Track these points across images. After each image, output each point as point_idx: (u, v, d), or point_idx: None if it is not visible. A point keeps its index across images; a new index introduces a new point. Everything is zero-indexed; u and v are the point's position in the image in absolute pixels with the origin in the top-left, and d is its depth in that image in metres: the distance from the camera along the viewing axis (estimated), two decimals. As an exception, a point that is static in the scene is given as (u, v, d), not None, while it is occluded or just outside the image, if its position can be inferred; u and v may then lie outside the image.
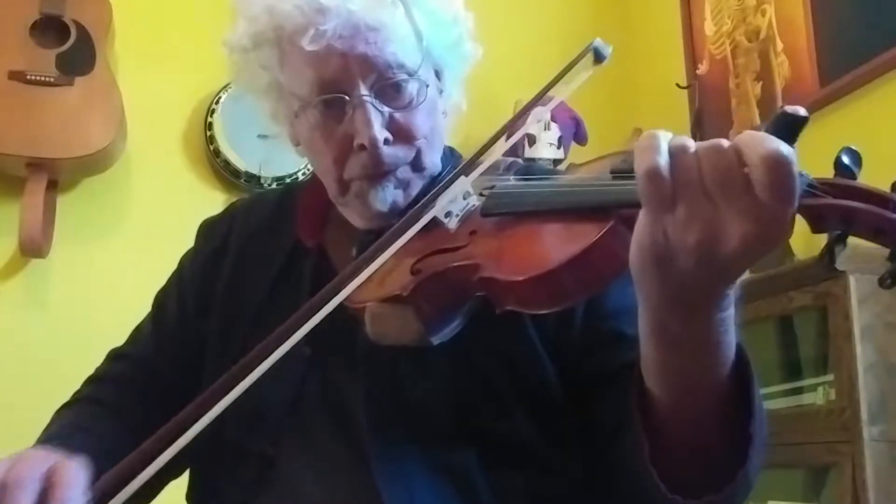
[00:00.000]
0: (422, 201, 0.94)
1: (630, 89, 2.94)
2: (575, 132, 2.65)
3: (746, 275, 2.05)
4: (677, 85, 2.68)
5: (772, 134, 0.64)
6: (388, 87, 0.99)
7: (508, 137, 1.00)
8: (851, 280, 1.65)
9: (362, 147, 0.98)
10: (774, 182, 0.62)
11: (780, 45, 2.38)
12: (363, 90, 0.98)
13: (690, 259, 0.67)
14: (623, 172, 0.78)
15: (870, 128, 2.05)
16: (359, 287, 0.99)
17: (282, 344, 0.85)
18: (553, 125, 2.60)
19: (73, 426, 1.10)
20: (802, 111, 0.67)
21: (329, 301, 0.87)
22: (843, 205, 0.66)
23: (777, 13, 2.40)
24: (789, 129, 0.66)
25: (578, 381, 0.98)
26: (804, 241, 2.12)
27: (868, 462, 1.58)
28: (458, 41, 1.07)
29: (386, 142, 0.99)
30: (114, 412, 1.12)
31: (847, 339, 1.65)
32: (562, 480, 0.99)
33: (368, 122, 0.97)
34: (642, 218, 0.70)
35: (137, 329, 1.22)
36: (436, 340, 0.93)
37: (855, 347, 1.63)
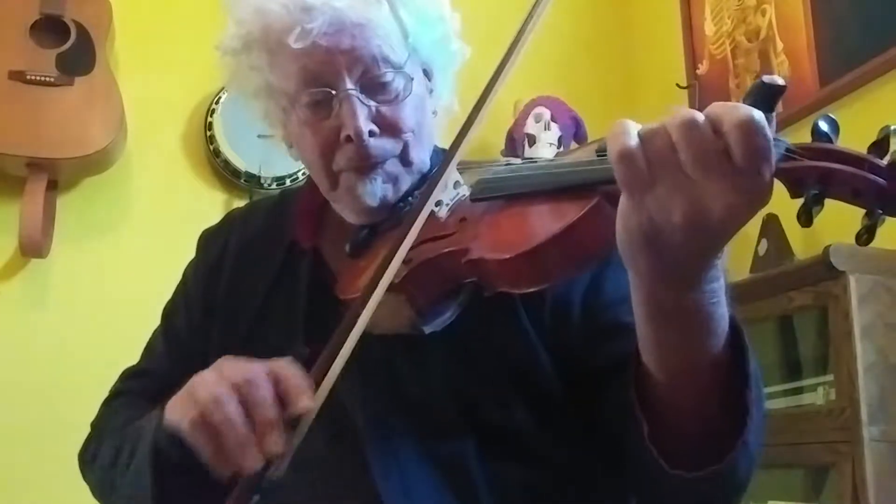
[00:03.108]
0: (420, 193, 0.95)
1: (630, 89, 2.94)
2: (575, 132, 2.65)
3: (747, 275, 2.06)
4: (677, 85, 2.68)
5: (751, 103, 0.67)
6: (374, 82, 1.01)
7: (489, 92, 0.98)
8: (851, 280, 1.65)
9: (349, 139, 1.00)
10: (750, 145, 0.64)
11: (780, 45, 2.38)
12: (349, 84, 1.00)
13: (678, 235, 0.68)
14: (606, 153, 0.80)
15: (869, 128, 2.04)
16: (352, 278, 1.00)
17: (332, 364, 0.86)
18: (553, 125, 2.60)
19: (132, 415, 1.09)
20: (780, 80, 0.69)
21: (361, 314, 0.88)
22: (820, 166, 0.68)
23: (777, 13, 2.40)
24: (768, 98, 0.68)
25: (581, 374, 0.98)
26: (804, 241, 2.12)
27: (868, 462, 1.58)
28: (445, 39, 1.09)
29: (371, 134, 1.00)
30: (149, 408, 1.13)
31: (847, 339, 1.65)
32: (559, 475, 0.99)
33: (354, 115, 0.99)
34: (624, 201, 0.71)
35: (149, 345, 1.22)
36: (428, 329, 0.94)
37: (855, 347, 1.63)
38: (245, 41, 1.04)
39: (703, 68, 2.68)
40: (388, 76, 1.01)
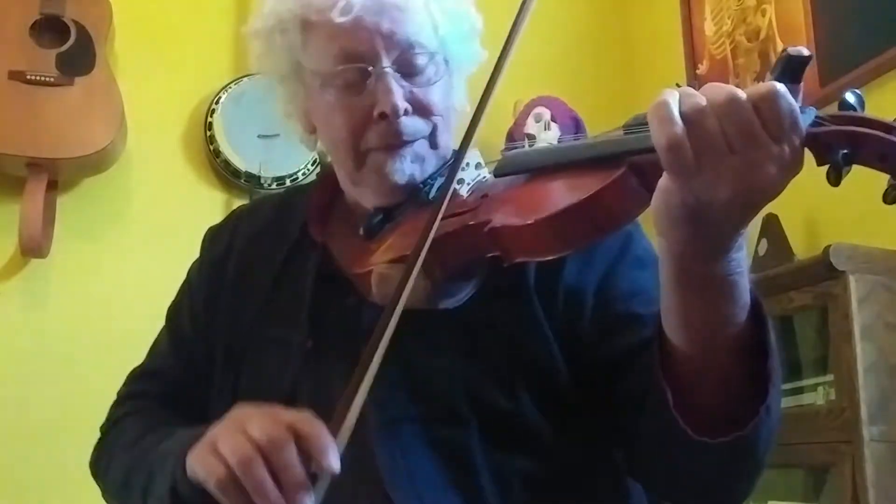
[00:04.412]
0: (444, 171, 0.98)
1: (630, 89, 2.94)
2: (575, 132, 2.65)
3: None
4: (677, 85, 2.67)
5: (778, 75, 0.70)
6: (409, 64, 1.03)
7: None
8: (851, 280, 1.65)
9: (382, 116, 1.01)
10: (777, 111, 0.67)
11: (780, 45, 2.37)
12: (385, 63, 1.02)
13: (721, 210, 0.71)
14: (635, 128, 0.81)
15: (870, 128, 2.04)
16: (363, 255, 1.01)
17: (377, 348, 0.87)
18: (553, 125, 2.60)
19: (145, 428, 1.11)
20: (805, 51, 0.72)
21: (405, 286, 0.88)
22: (848, 131, 0.70)
23: (777, 13, 2.40)
24: (794, 68, 0.71)
25: (591, 365, 0.99)
26: (804, 241, 2.12)
27: (868, 462, 1.58)
28: (469, 37, 1.11)
29: (406, 112, 1.02)
30: (158, 414, 1.14)
31: (847, 339, 1.65)
32: (560, 467, 1.00)
33: (390, 91, 1.01)
34: (668, 183, 0.72)
35: (154, 345, 1.23)
36: (441, 305, 0.94)
37: (855, 347, 1.63)
38: (282, 18, 1.05)
39: (703, 68, 2.68)
40: (422, 59, 1.04)
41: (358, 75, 1.02)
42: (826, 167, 0.71)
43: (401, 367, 1.00)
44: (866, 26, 2.09)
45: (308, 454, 0.84)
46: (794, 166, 0.70)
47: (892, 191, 0.70)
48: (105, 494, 1.14)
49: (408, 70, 1.03)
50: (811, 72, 2.22)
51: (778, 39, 2.39)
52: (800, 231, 2.11)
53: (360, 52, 1.01)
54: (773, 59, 2.39)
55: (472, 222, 0.92)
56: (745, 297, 0.80)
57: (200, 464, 0.90)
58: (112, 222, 2.48)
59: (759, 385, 0.83)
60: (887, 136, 0.69)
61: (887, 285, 1.68)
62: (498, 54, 0.99)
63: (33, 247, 2.29)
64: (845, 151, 0.70)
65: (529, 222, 0.85)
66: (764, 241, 2.10)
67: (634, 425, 0.92)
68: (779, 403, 0.87)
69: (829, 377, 1.75)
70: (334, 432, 0.85)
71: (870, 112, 0.73)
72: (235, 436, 0.87)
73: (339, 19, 0.99)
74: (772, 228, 2.08)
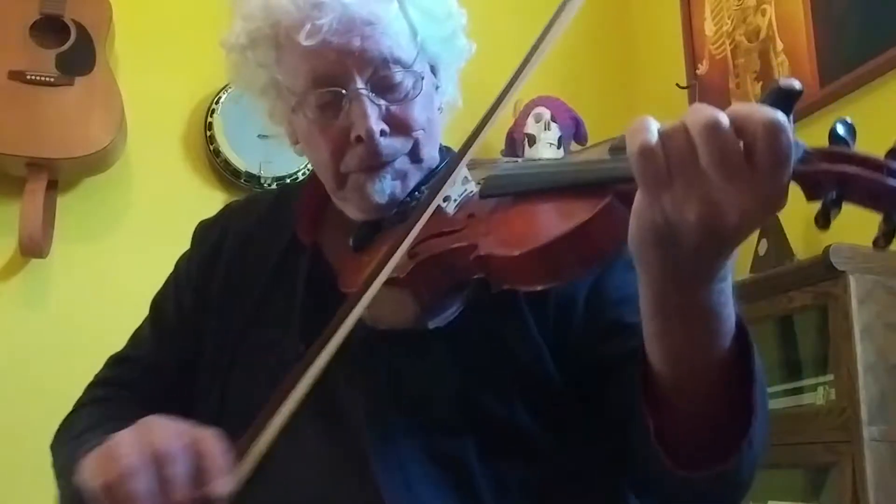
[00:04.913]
0: (429, 187, 0.95)
1: (630, 89, 2.94)
2: (575, 132, 2.66)
3: (747, 275, 2.06)
4: (677, 85, 2.68)
5: (768, 106, 0.66)
6: (384, 81, 1.00)
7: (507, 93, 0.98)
8: (851, 280, 1.65)
9: (359, 139, 0.99)
10: (774, 146, 0.64)
11: (780, 45, 2.38)
12: (359, 84, 0.99)
13: (692, 235, 0.68)
14: (621, 150, 0.79)
15: (870, 128, 2.04)
16: (355, 272, 1.00)
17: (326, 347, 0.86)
18: (553, 125, 2.60)
19: (99, 419, 1.08)
20: (798, 84, 0.68)
21: (363, 296, 0.88)
22: (838, 170, 0.67)
23: (777, 13, 2.40)
24: (785, 101, 0.67)
25: (583, 372, 0.98)
26: (804, 241, 2.12)
27: (868, 462, 1.58)
28: (452, 36, 1.08)
29: (383, 133, 1.00)
30: (125, 407, 1.12)
31: (847, 339, 1.65)
32: (559, 474, 0.99)
33: (365, 115, 0.98)
34: (640, 198, 0.71)
35: (136, 333, 1.22)
36: (432, 324, 0.94)
37: (855, 347, 1.63)
38: (252, 37, 1.03)
39: (703, 68, 2.68)
40: (398, 76, 1.01)
41: (333, 97, 1.00)
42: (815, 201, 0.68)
43: (394, 381, 1.00)
44: (866, 26, 2.09)
45: (202, 477, 0.81)
46: (776, 204, 0.67)
47: (882, 238, 0.66)
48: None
49: (384, 87, 1.00)
50: (811, 72, 2.23)
51: (778, 39, 2.39)
52: (800, 231, 2.11)
53: (332, 74, 0.99)
54: (773, 59, 2.39)
55: (457, 245, 0.91)
56: (727, 325, 0.78)
57: (92, 467, 0.86)
58: (112, 222, 2.48)
59: (742, 416, 0.81)
60: (879, 177, 0.66)
61: (887, 285, 1.68)
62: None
63: (33, 247, 2.29)
64: (834, 193, 0.66)
65: (516, 254, 0.84)
66: (764, 241, 2.10)
67: (625, 435, 0.91)
68: (764, 434, 0.85)
69: (829, 377, 1.75)
70: (241, 453, 0.83)
71: (861, 144, 0.69)
72: (132, 443, 0.84)
73: (307, 42, 0.96)
74: (772, 228, 2.08)
